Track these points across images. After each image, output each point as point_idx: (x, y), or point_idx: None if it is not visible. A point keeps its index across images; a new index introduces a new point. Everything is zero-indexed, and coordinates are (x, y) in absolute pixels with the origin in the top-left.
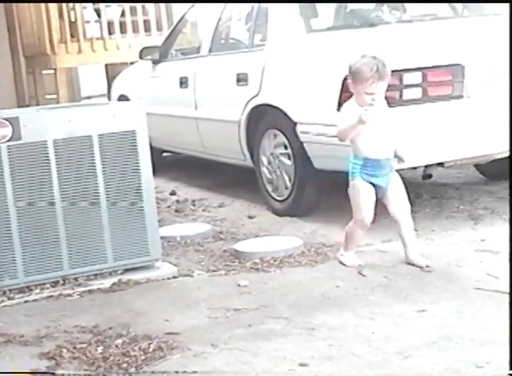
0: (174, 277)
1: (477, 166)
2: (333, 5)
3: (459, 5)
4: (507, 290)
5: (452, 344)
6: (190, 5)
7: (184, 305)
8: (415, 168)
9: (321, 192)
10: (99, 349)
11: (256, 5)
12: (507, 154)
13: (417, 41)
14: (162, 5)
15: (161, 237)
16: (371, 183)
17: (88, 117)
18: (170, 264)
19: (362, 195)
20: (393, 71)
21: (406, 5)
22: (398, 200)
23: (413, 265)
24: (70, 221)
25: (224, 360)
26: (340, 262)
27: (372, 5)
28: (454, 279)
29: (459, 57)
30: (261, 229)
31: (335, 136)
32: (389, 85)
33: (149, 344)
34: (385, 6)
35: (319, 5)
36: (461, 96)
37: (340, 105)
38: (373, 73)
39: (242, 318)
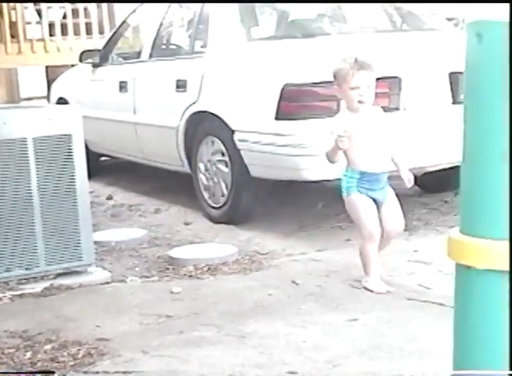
0: (107, 283)
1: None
2: (275, 15)
3: (398, 19)
4: (438, 300)
5: (381, 353)
6: (132, 9)
7: (116, 310)
8: None
9: (257, 200)
10: (28, 355)
11: (197, 11)
12: (442, 167)
13: (355, 52)
14: (104, 8)
15: (96, 242)
16: (368, 196)
17: (24, 120)
18: (103, 269)
19: (362, 209)
20: (330, 82)
21: (347, 17)
22: (393, 217)
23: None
24: (1, 224)
25: (154, 367)
26: (367, 289)
27: (313, 16)
28: None
29: (396, 70)
30: (197, 235)
31: (271, 144)
32: (328, 96)
33: (79, 350)
34: (326, 17)
35: (261, 14)
36: (397, 109)
37: (278, 114)
38: (352, 64)
39: (173, 325)
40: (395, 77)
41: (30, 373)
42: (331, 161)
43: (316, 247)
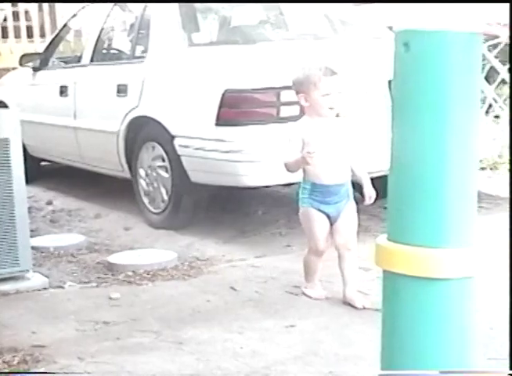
0: (44, 289)
1: (352, 184)
2: (217, 20)
3: (339, 27)
4: (375, 306)
5: (317, 359)
6: (73, 12)
7: (53, 317)
8: (289, 184)
9: (197, 205)
10: None
11: (139, 16)
12: (382, 174)
13: (296, 59)
14: (46, 11)
15: (34, 247)
16: (320, 210)
17: None
18: (41, 275)
19: (312, 222)
20: (271, 88)
21: (289, 23)
22: (344, 233)
23: (349, 304)
24: None
25: (89, 374)
26: (305, 295)
27: (255, 22)
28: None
29: None
30: (136, 241)
31: (211, 150)
32: (267, 102)
33: (14, 356)
34: (268, 24)
35: (203, 20)
36: (337, 115)
37: (218, 119)
38: (323, 70)
39: (111, 331)
40: None
41: (30, 373)
42: (290, 171)
43: (256, 253)
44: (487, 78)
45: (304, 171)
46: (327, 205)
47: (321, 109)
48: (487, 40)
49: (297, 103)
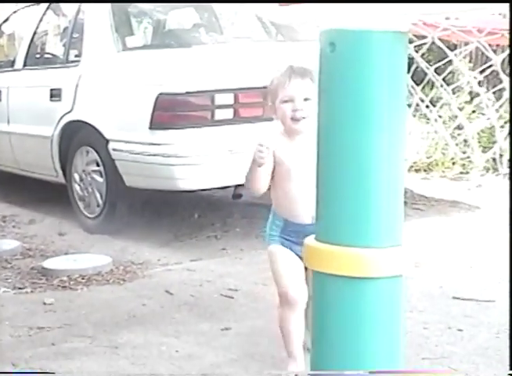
0: None
1: None
2: (151, 24)
3: (273, 30)
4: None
5: (253, 361)
6: (5, 16)
7: None
8: (225, 187)
9: (132, 210)
10: None
11: (72, 20)
12: None
13: (230, 62)
14: None
15: None
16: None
17: None
18: None
19: (281, 263)
20: (205, 92)
21: (223, 27)
22: None
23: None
24: None
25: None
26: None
27: (189, 26)
28: (260, 297)
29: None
30: (71, 246)
31: (145, 153)
32: (201, 105)
33: None
34: (202, 27)
35: (137, 24)
36: (272, 119)
37: (152, 123)
38: (287, 72)
39: (45, 336)
40: None
41: (30, 373)
42: (255, 192)
43: (191, 256)
44: (413, 79)
45: (276, 203)
46: (301, 246)
47: (284, 120)
48: (413, 41)
49: (230, 106)
